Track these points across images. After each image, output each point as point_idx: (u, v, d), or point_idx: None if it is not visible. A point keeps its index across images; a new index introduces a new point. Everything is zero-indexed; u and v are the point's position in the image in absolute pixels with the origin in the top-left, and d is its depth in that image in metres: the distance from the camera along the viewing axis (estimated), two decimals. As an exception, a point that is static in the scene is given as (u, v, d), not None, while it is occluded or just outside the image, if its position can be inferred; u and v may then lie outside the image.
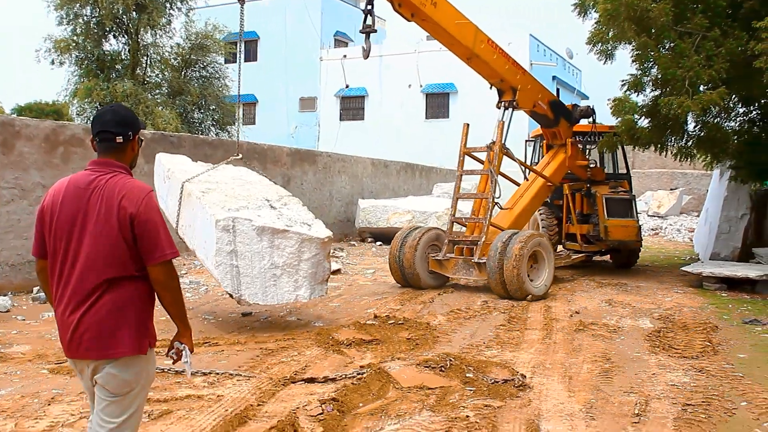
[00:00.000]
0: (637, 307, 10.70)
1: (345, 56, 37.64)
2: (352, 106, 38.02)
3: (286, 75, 38.19)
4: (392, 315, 9.79)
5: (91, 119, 3.32)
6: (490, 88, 12.90)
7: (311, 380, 6.58)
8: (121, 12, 24.12)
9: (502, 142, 12.30)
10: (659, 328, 9.07)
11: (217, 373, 6.69)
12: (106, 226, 3.14)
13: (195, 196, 8.93)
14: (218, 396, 6.00)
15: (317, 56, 37.99)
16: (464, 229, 13.03)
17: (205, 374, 6.64)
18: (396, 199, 22.60)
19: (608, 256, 16.11)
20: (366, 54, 11.00)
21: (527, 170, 13.70)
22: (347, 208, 22.42)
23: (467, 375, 6.70)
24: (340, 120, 38.10)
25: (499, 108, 12.68)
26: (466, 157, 12.71)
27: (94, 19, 24.72)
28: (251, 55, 40.02)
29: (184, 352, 3.46)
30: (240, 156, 10.18)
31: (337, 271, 14.72)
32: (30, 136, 11.59)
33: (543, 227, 14.93)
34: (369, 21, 10.96)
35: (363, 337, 8.40)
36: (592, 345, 8.18)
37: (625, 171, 15.73)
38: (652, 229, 26.55)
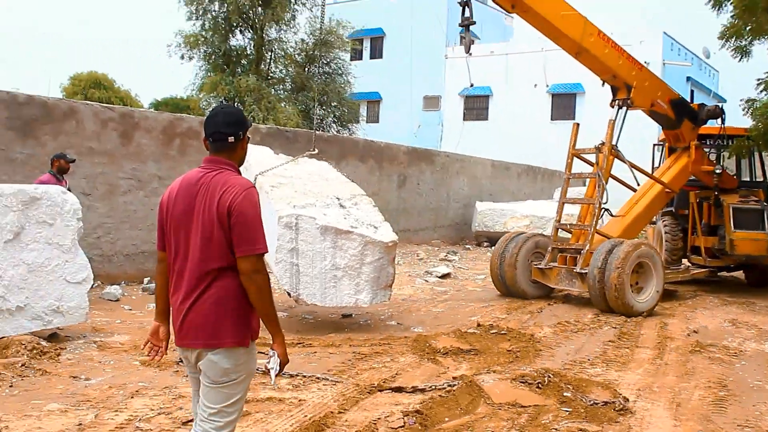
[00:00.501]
0: (764, 329, 9.83)
1: (470, 54, 37.16)
2: (476, 106, 37.43)
3: (411, 73, 38.05)
4: (496, 324, 9.42)
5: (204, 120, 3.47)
6: (603, 85, 12.20)
7: (399, 389, 6.34)
8: (247, 7, 24.54)
9: (613, 143, 11.58)
10: (787, 354, 8.28)
11: (304, 376, 6.56)
12: (209, 219, 3.26)
13: (265, 190, 8.89)
14: (300, 400, 5.86)
15: (442, 54, 37.63)
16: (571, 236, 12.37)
17: (291, 376, 6.52)
18: (515, 203, 22.07)
19: (742, 272, 14.87)
20: (467, 48, 10.70)
21: (642, 175, 12.64)
22: (465, 211, 22.10)
23: (565, 394, 6.27)
24: (464, 120, 37.57)
25: (612, 107, 11.95)
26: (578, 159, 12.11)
27: (221, 15, 25.25)
28: (376, 52, 40.19)
29: (272, 359, 3.41)
30: (316, 151, 9.98)
31: (446, 275, 14.47)
32: (148, 128, 11.92)
33: (667, 239, 14.03)
34: (467, 14, 10.64)
35: (461, 346, 8.09)
36: (708, 369, 7.53)
37: (762, 179, 14.46)
38: (792, 244, 24.71)
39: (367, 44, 39.98)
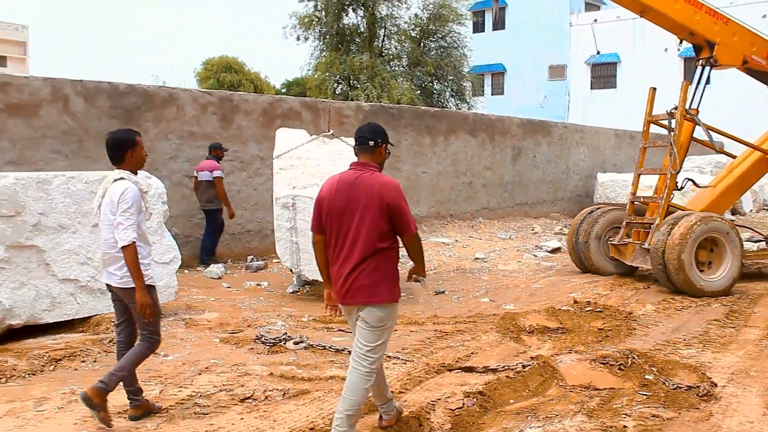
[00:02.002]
0: None
1: (596, 21, 35.73)
2: (603, 74, 36.02)
3: (535, 42, 37.06)
4: (594, 301, 9.03)
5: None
6: (680, 43, 11.23)
7: (469, 369, 6.18)
8: (357, -15, 24.53)
9: (690, 106, 10.62)
10: None
11: (375, 355, 6.49)
12: (372, 212, 4.30)
13: (275, 171, 9.48)
14: (363, 380, 5.78)
15: (567, 22, 36.45)
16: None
17: (362, 355, 6.47)
18: (639, 173, 21.07)
19: None
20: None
21: (735, 142, 11.30)
22: (586, 182, 21.36)
23: (646, 377, 5.89)
24: (591, 89, 36.33)
25: (696, 67, 10.93)
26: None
27: (333, -6, 25.33)
28: (499, 24, 39.36)
29: (424, 280, 4.74)
30: (331, 132, 10.47)
31: (557, 250, 14.03)
32: (248, 111, 12.13)
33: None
34: None
35: (549, 325, 7.80)
36: (820, 351, 6.91)
37: None
38: None
39: (489, 16, 39.29)
